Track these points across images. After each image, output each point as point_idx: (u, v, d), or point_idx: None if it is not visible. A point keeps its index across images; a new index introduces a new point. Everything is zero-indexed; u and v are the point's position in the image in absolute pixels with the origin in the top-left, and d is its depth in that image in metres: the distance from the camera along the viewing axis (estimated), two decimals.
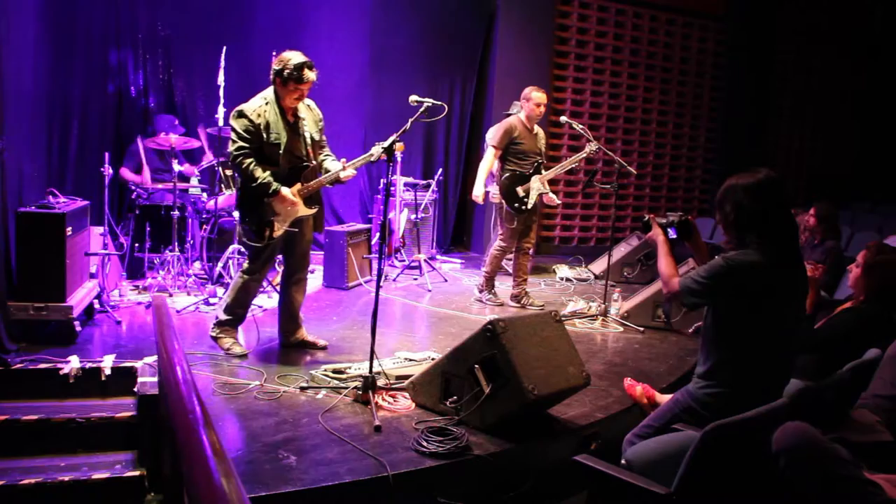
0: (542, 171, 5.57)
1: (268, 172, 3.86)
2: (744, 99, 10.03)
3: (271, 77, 3.89)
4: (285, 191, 3.88)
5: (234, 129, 3.88)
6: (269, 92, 3.95)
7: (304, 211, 3.99)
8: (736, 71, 9.92)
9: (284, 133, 3.90)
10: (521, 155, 5.49)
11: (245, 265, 4.12)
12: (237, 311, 4.11)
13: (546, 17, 8.62)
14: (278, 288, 5.20)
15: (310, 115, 4.08)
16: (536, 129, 5.61)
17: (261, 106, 3.90)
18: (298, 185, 3.96)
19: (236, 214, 5.33)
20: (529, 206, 5.50)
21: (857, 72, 10.66)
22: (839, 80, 10.61)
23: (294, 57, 3.83)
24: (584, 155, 5.72)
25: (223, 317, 4.09)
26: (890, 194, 9.43)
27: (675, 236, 2.92)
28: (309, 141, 4.02)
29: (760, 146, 10.25)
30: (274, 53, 5.35)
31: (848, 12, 10.28)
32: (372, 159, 3.80)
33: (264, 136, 3.86)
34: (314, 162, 4.04)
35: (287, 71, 3.80)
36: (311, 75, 3.83)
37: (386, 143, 3.49)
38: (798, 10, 10.20)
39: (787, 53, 10.40)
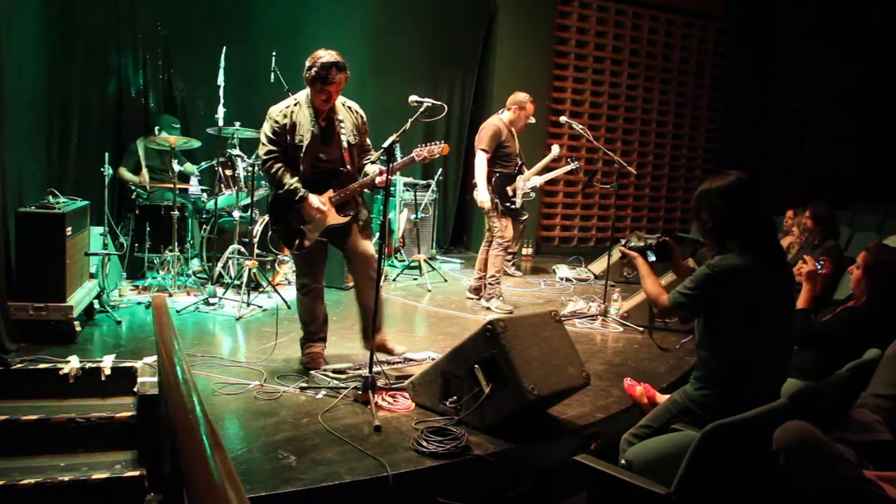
0: (524, 171, 5.76)
1: (296, 178, 3.67)
2: (744, 99, 10.02)
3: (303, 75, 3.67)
4: (313, 198, 3.66)
5: (263, 132, 3.71)
6: (302, 93, 3.75)
7: (334, 219, 3.76)
8: (736, 71, 9.92)
9: (309, 135, 3.68)
10: (506, 158, 5.62)
11: (296, 282, 3.98)
12: (305, 327, 3.95)
13: (546, 17, 8.63)
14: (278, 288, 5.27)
15: (350, 119, 3.81)
16: (513, 130, 5.74)
17: (288, 107, 3.71)
18: (330, 192, 3.75)
19: (236, 214, 5.35)
20: (518, 205, 5.70)
21: (857, 71, 10.65)
22: (839, 79, 10.60)
23: (325, 56, 3.55)
24: (566, 169, 6.24)
25: (301, 336, 3.98)
26: (890, 194, 9.41)
27: (654, 259, 2.92)
28: (345, 145, 3.76)
29: (760, 146, 10.24)
30: (274, 53, 5.40)
31: (847, 12, 10.27)
32: (421, 159, 3.70)
33: (288, 137, 3.68)
34: (348, 168, 3.79)
35: (315, 70, 3.54)
36: (339, 77, 3.57)
37: (386, 143, 3.45)
38: (797, 9, 10.20)
39: (787, 53, 10.40)
